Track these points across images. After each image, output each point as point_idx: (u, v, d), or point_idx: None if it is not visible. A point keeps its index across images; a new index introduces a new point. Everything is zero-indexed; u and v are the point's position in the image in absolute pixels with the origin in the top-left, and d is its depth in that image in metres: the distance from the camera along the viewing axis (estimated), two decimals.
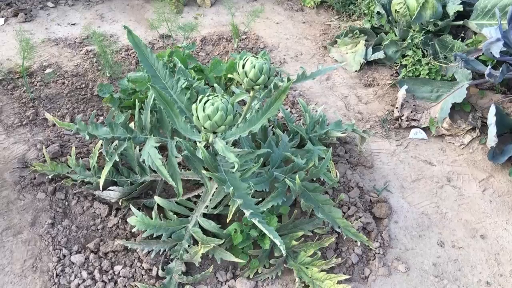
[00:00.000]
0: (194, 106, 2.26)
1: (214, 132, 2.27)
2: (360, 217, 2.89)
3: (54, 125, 3.41)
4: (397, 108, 3.71)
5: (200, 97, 2.27)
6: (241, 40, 4.52)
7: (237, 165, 2.19)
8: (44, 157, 3.11)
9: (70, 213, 2.81)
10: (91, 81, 3.86)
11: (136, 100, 3.04)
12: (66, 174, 2.92)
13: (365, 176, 3.24)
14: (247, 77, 2.43)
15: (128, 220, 2.60)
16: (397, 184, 3.21)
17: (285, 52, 4.44)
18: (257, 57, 2.47)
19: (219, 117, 2.18)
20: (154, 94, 2.47)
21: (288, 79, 2.75)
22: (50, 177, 2.92)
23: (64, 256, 2.59)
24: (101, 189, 2.59)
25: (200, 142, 2.38)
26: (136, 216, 2.61)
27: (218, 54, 4.28)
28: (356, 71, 4.25)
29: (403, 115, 3.68)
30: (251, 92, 2.50)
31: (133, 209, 2.62)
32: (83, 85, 3.81)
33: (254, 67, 2.40)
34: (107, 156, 2.61)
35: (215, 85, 3.03)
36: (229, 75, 3.18)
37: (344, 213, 2.94)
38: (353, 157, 3.33)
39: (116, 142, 2.69)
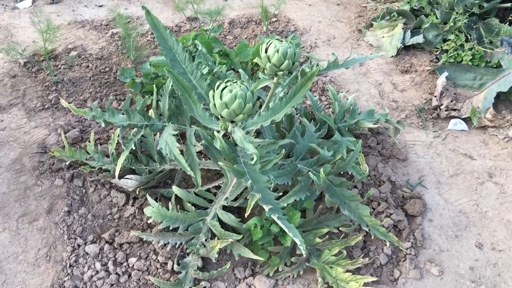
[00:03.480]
0: (211, 93, 2.11)
1: (232, 121, 2.12)
2: (391, 214, 2.69)
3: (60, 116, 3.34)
4: (435, 96, 3.45)
5: (218, 83, 2.12)
6: (271, 23, 4.33)
7: (256, 157, 2.03)
8: (63, 142, 3.04)
9: (87, 201, 2.73)
10: (115, 65, 3.76)
11: (155, 85, 2.92)
12: (84, 160, 2.84)
13: (398, 169, 3.02)
14: (270, 62, 2.25)
15: (144, 210, 2.50)
16: (433, 179, 2.98)
17: (316, 35, 4.22)
18: (281, 41, 2.29)
19: (237, 105, 2.02)
20: (171, 79, 2.33)
21: (317, 65, 2.56)
22: (67, 163, 2.84)
23: (79, 246, 2.50)
24: (116, 177, 2.48)
25: (218, 131, 2.23)
26: (153, 207, 2.49)
27: (246, 38, 4.11)
28: (392, 56, 3.99)
29: (442, 104, 3.42)
30: (275, 78, 2.32)
31: (150, 199, 2.51)
32: (107, 69, 3.71)
33: (277, 52, 2.22)
34: (123, 145, 2.50)
35: (240, 70, 2.86)
36: (255, 60, 3.01)
37: (374, 209, 2.75)
38: (386, 149, 3.12)
39: (135, 129, 2.57)
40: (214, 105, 2.08)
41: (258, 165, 2.25)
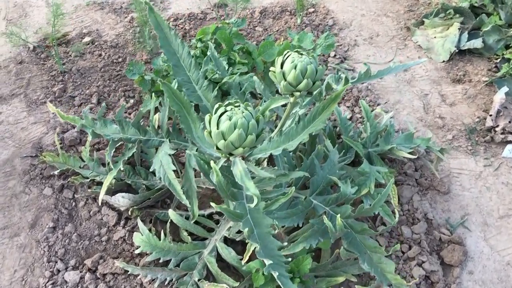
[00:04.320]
0: (207, 117, 1.72)
1: (231, 154, 1.73)
2: (423, 262, 2.26)
3: (80, 105, 3.03)
4: (491, 115, 2.93)
5: (216, 105, 1.72)
6: (308, 14, 3.85)
7: (257, 199, 1.65)
8: (61, 143, 2.74)
9: (76, 217, 2.43)
10: (129, 55, 3.41)
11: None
12: (77, 169, 2.52)
13: (438, 204, 2.56)
14: (285, 80, 1.84)
15: (133, 238, 2.17)
16: (478, 220, 2.51)
17: (357, 32, 3.72)
18: (302, 54, 1.87)
19: (236, 136, 1.63)
20: (165, 92, 1.95)
21: (346, 80, 2.13)
22: (58, 171, 2.54)
23: (58, 271, 2.21)
24: (100, 199, 2.15)
25: (219, 158, 1.85)
26: (142, 235, 2.16)
27: (277, 31, 3.66)
28: (443, 61, 3.46)
29: (498, 126, 2.90)
30: (291, 98, 1.91)
31: (140, 224, 2.18)
32: (120, 59, 3.37)
33: (295, 68, 1.81)
34: (112, 163, 2.16)
35: (255, 78, 2.43)
36: (270, 74, 2.59)
37: (403, 253, 2.32)
38: (425, 178, 2.65)
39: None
40: (210, 133, 1.69)
41: (262, 203, 1.86)
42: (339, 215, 1.88)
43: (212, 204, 1.79)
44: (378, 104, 3.03)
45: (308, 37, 3.08)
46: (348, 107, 2.99)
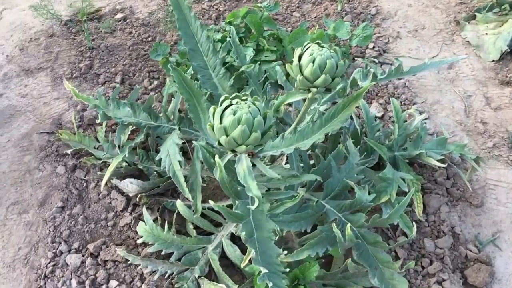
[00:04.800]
0: (211, 109, 1.59)
1: (234, 151, 1.60)
2: (443, 280, 2.07)
3: (104, 83, 2.97)
4: None
5: (222, 98, 1.60)
6: (350, 1, 3.63)
7: (258, 201, 1.53)
8: (80, 121, 2.70)
9: (86, 198, 2.38)
10: (159, 34, 3.32)
11: (184, 71, 2.44)
12: (91, 150, 2.47)
13: (468, 218, 2.35)
14: (302, 74, 1.69)
15: (137, 227, 2.10)
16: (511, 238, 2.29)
17: (402, 23, 3.47)
18: (322, 46, 1.71)
19: (239, 133, 1.50)
20: (175, 78, 1.84)
21: (374, 76, 1.95)
22: (69, 151, 2.50)
23: (61, 253, 2.17)
24: (101, 188, 2.08)
25: (227, 152, 1.72)
26: (146, 224, 2.09)
27: (315, 17, 3.47)
28: (493, 61, 3.17)
29: None
30: (309, 94, 1.76)
31: (145, 213, 2.10)
32: (150, 38, 3.29)
33: (313, 62, 1.66)
34: (119, 148, 2.08)
35: (277, 68, 2.28)
36: (287, 68, 2.43)
37: (423, 268, 2.14)
38: (457, 187, 2.43)
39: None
40: (212, 127, 1.57)
41: (267, 205, 1.73)
42: (349, 224, 1.73)
43: (211, 202, 1.68)
44: (414, 103, 2.81)
45: (344, 26, 2.89)
46: (381, 104, 2.79)
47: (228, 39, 2.23)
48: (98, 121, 2.12)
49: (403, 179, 2.10)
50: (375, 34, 3.31)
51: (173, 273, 2.06)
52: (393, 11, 3.56)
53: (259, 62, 2.37)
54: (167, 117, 2.11)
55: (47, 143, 2.60)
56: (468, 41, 3.30)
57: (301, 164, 2.04)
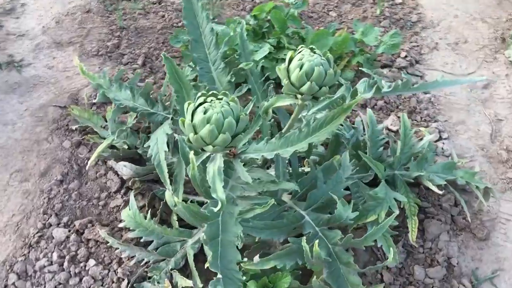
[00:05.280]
0: (186, 104, 1.56)
1: (203, 149, 1.56)
2: None
3: (127, 63, 3.00)
4: None
5: (199, 94, 1.56)
6: (393, 6, 3.47)
7: (219, 204, 1.49)
8: (96, 99, 2.74)
9: (84, 175, 2.42)
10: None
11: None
12: (98, 128, 2.50)
13: (468, 250, 2.19)
14: (289, 79, 1.62)
15: (122, 211, 2.11)
16: None
17: (443, 34, 3.27)
18: (314, 52, 1.63)
19: (207, 132, 1.46)
20: (166, 67, 1.82)
21: (378, 89, 1.84)
22: (76, 127, 2.55)
23: (50, 225, 2.22)
24: (87, 166, 2.10)
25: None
26: (130, 209, 2.09)
27: (351, 19, 3.34)
28: None
29: None
30: (299, 100, 1.69)
31: (132, 199, 2.10)
32: (180, 24, 3.29)
33: (300, 68, 1.59)
34: (111, 131, 2.09)
35: (277, 68, 2.19)
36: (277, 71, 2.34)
37: None
38: (463, 216, 2.27)
39: None
40: (183, 122, 1.54)
41: (238, 208, 1.69)
42: (317, 241, 1.65)
43: (175, 198, 1.65)
44: (436, 121, 2.65)
45: (373, 32, 2.77)
46: (399, 117, 2.64)
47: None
48: (95, 101, 2.15)
49: (396, 200, 1.98)
50: (411, 42, 3.14)
51: (149, 261, 2.06)
52: (436, 21, 3.37)
53: (263, 61, 2.31)
54: (163, 105, 2.10)
55: (60, 116, 2.67)
56: (511, 61, 3.07)
57: (287, 171, 1.97)
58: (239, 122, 1.51)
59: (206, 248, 1.99)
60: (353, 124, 2.51)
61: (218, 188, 1.53)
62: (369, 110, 2.23)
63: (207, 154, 1.63)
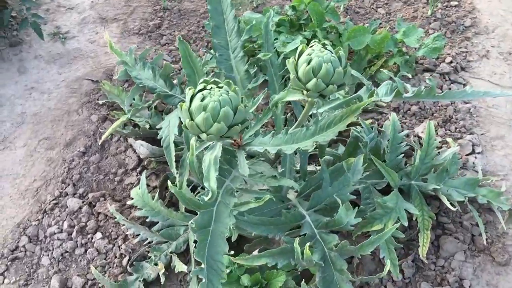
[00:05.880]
0: (187, 89, 1.54)
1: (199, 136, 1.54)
2: None
3: (164, 44, 3.03)
4: None
5: (201, 80, 1.54)
6: (447, 8, 3.28)
7: (210, 194, 1.48)
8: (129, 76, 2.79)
9: (107, 149, 2.47)
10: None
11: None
12: (123, 106, 2.54)
13: (484, 274, 2.04)
14: (297, 73, 1.57)
15: (132, 191, 2.14)
16: None
17: (496, 41, 3.06)
18: (326, 48, 1.56)
19: (202, 120, 1.45)
20: (180, 51, 1.82)
21: (398, 93, 1.75)
22: (103, 101, 2.61)
23: (66, 194, 2.29)
24: (99, 141, 2.13)
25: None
26: (139, 189, 2.12)
27: (401, 17, 3.19)
28: None
29: None
30: (308, 97, 1.63)
31: (143, 178, 2.13)
32: None
33: (308, 63, 1.53)
34: (127, 110, 2.11)
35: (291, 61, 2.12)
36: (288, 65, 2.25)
37: None
38: (483, 237, 2.13)
39: None
40: (181, 107, 1.52)
41: (234, 200, 1.66)
42: (308, 244, 1.59)
43: (169, 183, 1.64)
44: (471, 133, 2.48)
45: (416, 33, 2.63)
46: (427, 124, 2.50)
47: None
48: (115, 77, 2.18)
49: (407, 212, 1.88)
50: (459, 48, 2.96)
51: (152, 241, 2.09)
52: (491, 27, 3.15)
53: (284, 52, 2.24)
54: (181, 88, 2.10)
55: (93, 90, 2.74)
56: None
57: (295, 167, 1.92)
58: (237, 112, 1.47)
59: (192, 235, 2.00)
60: (381, 127, 2.42)
61: (211, 177, 1.51)
62: (393, 114, 2.12)
63: (209, 143, 1.62)
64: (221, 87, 1.49)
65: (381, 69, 2.64)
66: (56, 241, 2.13)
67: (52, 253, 2.10)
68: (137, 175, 2.34)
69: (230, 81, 1.53)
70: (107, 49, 3.00)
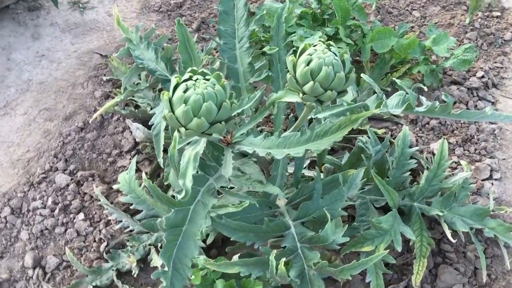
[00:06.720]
0: (173, 78, 1.42)
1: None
2: None
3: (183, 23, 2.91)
4: None
5: (189, 69, 1.41)
6: (487, 18, 3.04)
7: (183, 193, 1.37)
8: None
9: (106, 127, 2.39)
10: None
11: None
12: (131, 84, 2.45)
13: None
14: (294, 73, 1.43)
15: (120, 175, 2.05)
16: None
17: None
18: (329, 49, 1.41)
19: (181, 113, 1.33)
20: (178, 35, 1.70)
21: (409, 107, 1.59)
22: (108, 78, 2.52)
23: (56, 169, 2.22)
24: (91, 120, 2.04)
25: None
26: (127, 174, 2.02)
27: (436, 23, 2.98)
28: None
29: None
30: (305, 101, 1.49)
31: (133, 163, 2.03)
32: None
33: (307, 64, 1.39)
34: (123, 91, 2.00)
35: (290, 59, 1.96)
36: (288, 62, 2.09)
37: None
38: (488, 271, 1.95)
39: None
40: (164, 96, 1.40)
41: (214, 200, 1.55)
42: (283, 259, 1.46)
43: (144, 176, 1.54)
44: (492, 157, 2.28)
45: (446, 41, 2.44)
46: (450, 143, 2.31)
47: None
48: (115, 55, 2.08)
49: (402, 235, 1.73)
50: (494, 63, 2.74)
51: (133, 230, 2.00)
52: None
53: (293, 48, 2.09)
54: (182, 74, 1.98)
55: (101, 64, 2.66)
56: None
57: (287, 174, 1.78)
58: (221, 109, 1.35)
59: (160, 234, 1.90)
60: (394, 138, 2.25)
61: (187, 175, 1.39)
62: (405, 127, 1.96)
63: (194, 137, 1.51)
64: (208, 79, 1.36)
65: (403, 77, 2.46)
66: (38, 217, 2.07)
67: (32, 228, 2.04)
68: (130, 159, 2.25)
69: (221, 74, 1.40)
70: (124, 23, 2.90)
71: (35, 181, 2.17)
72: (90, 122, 2.31)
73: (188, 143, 1.55)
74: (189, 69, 1.40)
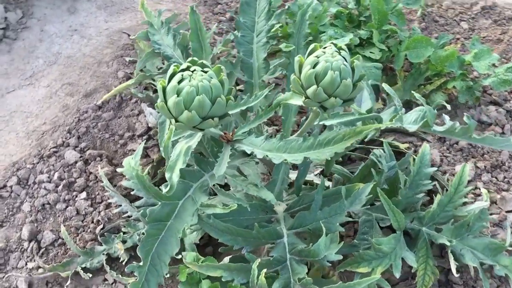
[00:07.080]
0: (172, 66, 1.36)
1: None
2: None
3: (217, 13, 2.86)
4: None
5: (189, 59, 1.35)
6: None
7: (168, 187, 1.32)
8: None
9: (122, 109, 2.36)
10: None
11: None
12: (154, 67, 2.42)
13: None
14: (300, 75, 1.34)
15: (125, 159, 2.02)
16: None
17: None
18: (339, 52, 1.31)
19: (172, 104, 1.27)
20: (190, 23, 1.63)
21: (426, 124, 1.46)
22: (130, 59, 2.50)
23: (68, 145, 2.22)
24: (100, 101, 2.01)
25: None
26: (132, 158, 1.99)
27: (483, 37, 2.78)
28: None
29: None
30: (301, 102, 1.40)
31: (139, 148, 1.98)
32: None
33: (312, 66, 1.29)
34: (136, 75, 1.96)
35: (296, 59, 1.85)
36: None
37: None
38: None
39: None
40: (160, 84, 1.34)
41: (205, 198, 1.49)
42: (264, 270, 1.38)
43: (134, 164, 1.48)
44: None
45: (489, 58, 2.27)
46: (478, 167, 2.15)
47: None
48: (132, 37, 2.04)
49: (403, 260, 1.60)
50: None
51: (131, 216, 1.96)
52: None
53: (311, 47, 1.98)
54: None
55: (128, 45, 2.64)
56: None
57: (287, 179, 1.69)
58: (215, 104, 1.27)
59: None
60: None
61: (176, 169, 1.35)
62: (425, 145, 1.82)
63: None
64: (206, 72, 1.29)
65: (437, 91, 2.31)
66: (42, 190, 2.07)
67: (35, 201, 2.04)
68: (141, 142, 2.21)
69: (222, 67, 1.33)
70: (160, 6, 2.89)
71: (45, 154, 2.17)
72: (101, 102, 2.29)
73: (188, 136, 1.50)
74: (189, 59, 1.33)
